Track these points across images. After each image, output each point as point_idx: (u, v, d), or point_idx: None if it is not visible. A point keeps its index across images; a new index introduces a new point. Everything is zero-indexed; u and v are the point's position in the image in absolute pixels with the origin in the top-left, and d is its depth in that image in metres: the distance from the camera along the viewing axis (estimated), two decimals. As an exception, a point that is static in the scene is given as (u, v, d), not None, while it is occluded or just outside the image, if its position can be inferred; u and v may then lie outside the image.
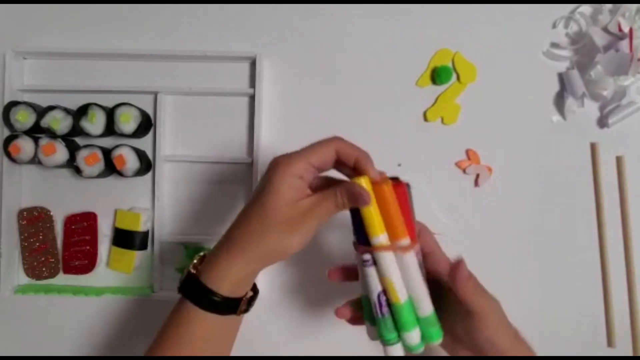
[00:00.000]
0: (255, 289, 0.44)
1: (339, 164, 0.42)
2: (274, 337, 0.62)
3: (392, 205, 0.40)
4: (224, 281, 0.40)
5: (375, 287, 0.41)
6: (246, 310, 0.43)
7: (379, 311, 0.41)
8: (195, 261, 0.42)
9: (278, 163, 0.39)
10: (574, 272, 0.61)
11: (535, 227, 0.62)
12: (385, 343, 0.41)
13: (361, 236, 0.41)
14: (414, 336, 0.40)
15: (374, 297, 0.41)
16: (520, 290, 0.61)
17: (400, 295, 0.40)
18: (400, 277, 0.40)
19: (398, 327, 0.41)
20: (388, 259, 0.40)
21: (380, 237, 0.40)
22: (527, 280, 0.61)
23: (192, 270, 0.41)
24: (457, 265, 0.40)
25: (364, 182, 0.40)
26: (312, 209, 0.39)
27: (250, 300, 0.43)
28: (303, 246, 0.40)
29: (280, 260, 0.41)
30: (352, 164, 0.40)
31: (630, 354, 0.59)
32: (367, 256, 0.41)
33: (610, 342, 0.60)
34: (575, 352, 0.60)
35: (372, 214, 0.40)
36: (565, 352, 0.60)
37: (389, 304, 0.41)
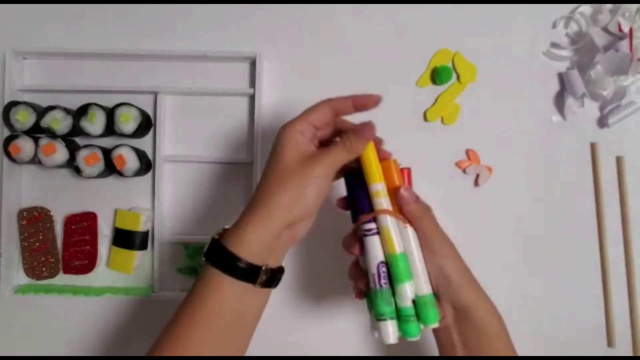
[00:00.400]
0: (280, 267, 0.43)
1: (339, 118, 0.45)
2: (274, 334, 0.62)
3: (397, 179, 0.43)
4: (245, 244, 0.40)
5: (375, 256, 0.42)
6: (267, 284, 0.42)
7: (377, 282, 0.41)
8: (220, 231, 0.43)
9: (282, 126, 0.43)
10: (574, 273, 0.61)
11: (535, 227, 0.62)
12: (379, 317, 0.41)
13: (365, 205, 0.43)
14: (407, 290, 0.40)
15: (374, 268, 0.42)
16: (520, 290, 0.61)
17: (397, 247, 0.41)
18: (400, 237, 0.42)
19: (393, 284, 0.41)
20: (389, 218, 0.42)
21: (378, 184, 0.42)
22: (527, 280, 0.61)
23: (216, 236, 0.42)
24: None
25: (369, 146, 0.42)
26: (322, 153, 0.42)
27: (273, 274, 0.42)
28: (319, 199, 0.41)
29: (300, 217, 0.41)
30: (353, 110, 0.44)
31: (630, 354, 0.60)
32: (370, 225, 0.42)
33: (610, 342, 0.60)
34: (575, 352, 0.60)
35: (372, 160, 0.42)
36: (565, 352, 0.60)
37: (387, 263, 0.41)
